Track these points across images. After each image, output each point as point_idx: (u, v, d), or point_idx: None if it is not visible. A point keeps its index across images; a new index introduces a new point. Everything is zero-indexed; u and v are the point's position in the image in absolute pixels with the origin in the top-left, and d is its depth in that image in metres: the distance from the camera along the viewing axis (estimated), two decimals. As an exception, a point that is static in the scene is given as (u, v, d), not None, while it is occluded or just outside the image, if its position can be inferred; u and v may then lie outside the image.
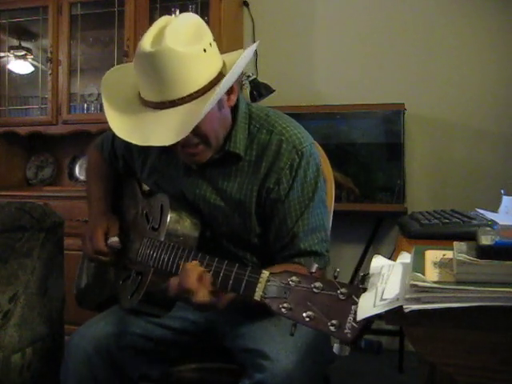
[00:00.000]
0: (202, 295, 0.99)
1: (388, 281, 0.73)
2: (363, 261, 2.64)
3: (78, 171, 3.20)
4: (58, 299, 1.61)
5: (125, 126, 1.12)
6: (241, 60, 1.11)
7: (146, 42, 1.08)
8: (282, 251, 1.21)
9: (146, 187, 1.42)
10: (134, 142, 1.09)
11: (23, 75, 3.18)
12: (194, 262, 1.03)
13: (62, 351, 1.26)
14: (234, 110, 1.22)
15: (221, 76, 1.11)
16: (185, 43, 1.06)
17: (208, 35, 1.12)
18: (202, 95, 1.08)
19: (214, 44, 1.13)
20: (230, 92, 1.16)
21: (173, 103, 1.07)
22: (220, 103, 1.13)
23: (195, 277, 0.99)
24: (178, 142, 1.07)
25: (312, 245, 1.19)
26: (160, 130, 1.07)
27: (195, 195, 1.26)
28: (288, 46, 2.92)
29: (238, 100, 1.22)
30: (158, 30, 1.10)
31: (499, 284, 0.62)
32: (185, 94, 1.07)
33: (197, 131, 1.08)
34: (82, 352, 1.19)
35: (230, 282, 0.96)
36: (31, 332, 1.48)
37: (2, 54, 3.15)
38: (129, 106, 1.15)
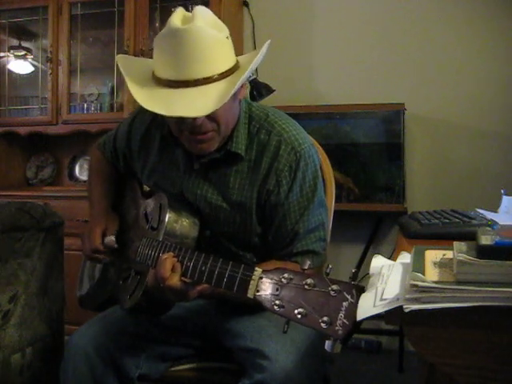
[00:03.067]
0: (173, 281, 1.03)
1: (388, 281, 0.73)
2: (363, 261, 2.64)
3: (78, 171, 3.20)
4: (58, 299, 1.61)
5: (151, 100, 1.10)
6: (260, 53, 1.13)
7: (176, 21, 1.08)
8: (280, 250, 1.22)
9: (146, 188, 1.42)
10: (164, 113, 1.07)
11: (23, 75, 3.18)
12: (170, 253, 1.07)
13: (62, 351, 1.26)
14: None
15: (237, 66, 1.13)
16: (212, 27, 1.09)
17: (225, 27, 1.15)
18: (226, 78, 1.09)
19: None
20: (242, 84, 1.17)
21: (198, 82, 1.07)
22: (235, 93, 1.13)
23: (169, 266, 1.04)
24: (193, 126, 1.09)
25: (309, 244, 1.20)
26: (191, 103, 1.06)
27: (196, 196, 1.25)
28: (288, 46, 2.91)
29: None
30: (183, 15, 1.11)
31: (499, 284, 0.62)
32: (211, 74, 1.07)
33: (212, 115, 1.09)
34: (82, 352, 1.19)
35: (225, 279, 0.97)
36: (31, 332, 1.48)
37: (2, 54, 3.15)
38: (149, 84, 1.13)
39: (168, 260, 1.05)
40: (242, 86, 1.17)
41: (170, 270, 1.04)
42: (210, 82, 1.07)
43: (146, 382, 1.26)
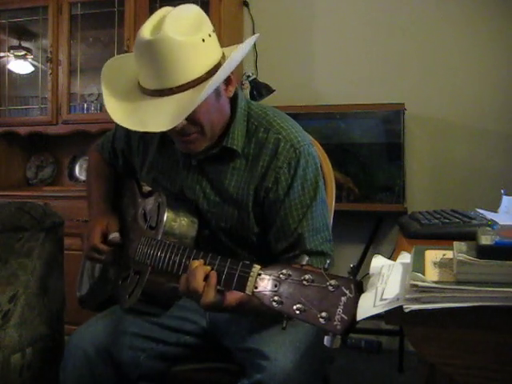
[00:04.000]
0: (209, 295, 0.98)
1: (388, 281, 0.73)
2: (363, 261, 2.64)
3: (78, 171, 3.20)
4: (58, 299, 1.61)
5: (122, 112, 1.13)
6: (238, 51, 1.13)
7: (146, 31, 1.09)
8: (286, 252, 1.19)
9: (145, 188, 1.42)
10: (131, 127, 1.10)
11: (23, 75, 3.18)
12: (201, 260, 1.02)
13: (62, 351, 1.26)
14: (233, 106, 1.23)
15: (219, 66, 1.12)
16: (184, 32, 1.07)
17: (207, 25, 1.13)
18: (200, 84, 1.08)
19: (214, 35, 1.14)
20: (227, 83, 1.17)
21: (171, 91, 1.08)
22: (217, 93, 1.14)
23: (201, 277, 0.99)
24: (174, 131, 1.09)
25: (318, 245, 1.18)
26: (157, 117, 1.08)
27: (194, 191, 1.26)
28: (288, 46, 2.92)
29: (237, 97, 1.23)
30: (159, 19, 1.11)
31: (499, 284, 0.62)
32: (183, 82, 1.08)
33: (193, 119, 1.09)
34: (82, 352, 1.19)
35: (223, 276, 0.97)
36: (31, 332, 1.48)
37: (2, 54, 3.15)
38: (128, 94, 1.15)
39: (200, 270, 0.99)
40: (230, 83, 1.18)
41: (202, 280, 0.99)
42: (183, 90, 1.08)
43: (145, 382, 1.26)
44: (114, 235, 1.30)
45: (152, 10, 2.75)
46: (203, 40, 1.10)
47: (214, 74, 1.10)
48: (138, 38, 1.09)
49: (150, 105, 1.10)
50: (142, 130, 1.10)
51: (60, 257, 1.63)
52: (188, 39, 1.07)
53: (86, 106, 3.01)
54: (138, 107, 1.11)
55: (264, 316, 1.09)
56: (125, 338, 1.23)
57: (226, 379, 1.24)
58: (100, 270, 1.43)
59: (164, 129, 1.07)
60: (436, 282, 0.64)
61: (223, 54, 1.16)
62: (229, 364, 1.23)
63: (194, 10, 1.14)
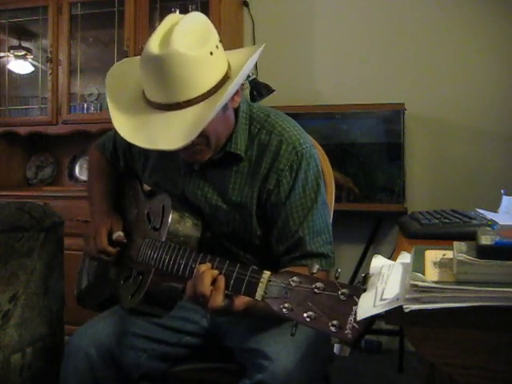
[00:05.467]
0: (216, 300, 0.97)
1: (388, 281, 0.73)
2: (363, 261, 2.64)
3: (78, 171, 3.20)
4: (58, 299, 1.61)
5: (130, 128, 1.11)
6: (246, 66, 1.11)
7: (154, 44, 1.07)
8: (287, 254, 1.20)
9: (147, 187, 1.41)
10: (140, 144, 1.09)
11: (23, 75, 3.18)
12: (208, 264, 1.01)
13: (62, 351, 1.26)
14: (236, 111, 1.22)
15: (226, 78, 1.11)
16: (192, 46, 1.06)
17: (214, 37, 1.12)
18: (208, 98, 1.08)
19: (220, 45, 1.13)
20: (234, 94, 1.16)
21: (178, 105, 1.07)
22: (224, 106, 1.13)
23: (209, 281, 0.98)
24: None
25: (318, 247, 1.18)
26: (167, 134, 1.06)
27: (196, 196, 1.25)
28: (288, 46, 2.92)
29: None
30: (166, 31, 1.09)
31: (499, 284, 0.62)
32: (191, 97, 1.07)
33: (200, 133, 1.08)
34: (83, 352, 1.19)
35: (232, 281, 0.97)
36: (31, 332, 1.48)
37: (2, 54, 3.15)
38: (134, 105, 1.14)
39: (208, 275, 0.99)
40: (236, 94, 1.16)
41: (210, 284, 0.98)
42: (191, 105, 1.07)
43: (146, 382, 1.26)
44: (119, 234, 1.30)
45: (152, 10, 2.75)
46: (211, 53, 1.08)
47: (220, 86, 1.09)
48: (146, 52, 1.07)
49: (159, 120, 1.08)
50: (151, 147, 1.08)
51: (60, 257, 1.63)
52: (197, 54, 1.06)
53: (85, 105, 3.01)
54: (147, 122, 1.10)
55: (271, 320, 1.09)
56: (126, 339, 1.23)
57: (227, 379, 1.24)
58: (100, 269, 1.43)
59: (174, 147, 1.05)
60: (436, 282, 0.64)
61: (228, 62, 1.15)
62: (230, 364, 1.23)
63: (201, 19, 1.12)
